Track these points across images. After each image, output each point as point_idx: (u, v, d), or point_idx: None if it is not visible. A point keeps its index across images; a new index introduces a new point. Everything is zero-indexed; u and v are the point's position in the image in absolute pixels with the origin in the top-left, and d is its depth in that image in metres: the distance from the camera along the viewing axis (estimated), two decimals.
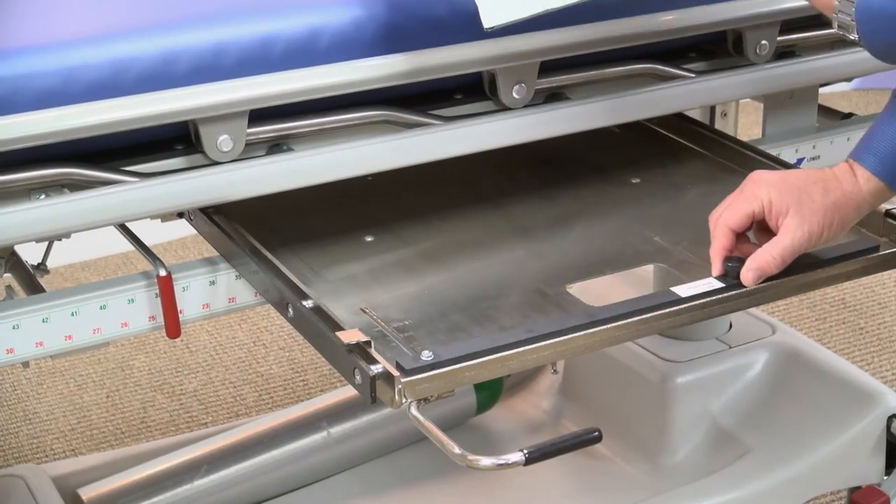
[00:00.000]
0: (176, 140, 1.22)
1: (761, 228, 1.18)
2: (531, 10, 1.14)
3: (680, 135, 1.51)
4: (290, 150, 1.24)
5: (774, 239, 1.15)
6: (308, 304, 1.15)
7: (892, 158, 1.14)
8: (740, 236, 1.18)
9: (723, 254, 1.17)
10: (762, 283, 1.16)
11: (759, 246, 1.16)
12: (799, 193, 1.14)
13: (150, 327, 1.24)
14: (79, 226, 1.15)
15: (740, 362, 1.69)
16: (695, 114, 1.67)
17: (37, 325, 1.19)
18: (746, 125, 2.81)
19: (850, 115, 1.62)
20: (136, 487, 1.61)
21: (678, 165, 1.47)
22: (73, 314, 1.20)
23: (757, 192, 1.15)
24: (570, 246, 1.30)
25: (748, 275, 1.15)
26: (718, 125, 1.79)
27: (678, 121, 1.52)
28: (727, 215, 1.17)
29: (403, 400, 1.04)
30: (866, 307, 2.49)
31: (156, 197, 1.17)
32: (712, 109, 1.80)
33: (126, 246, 1.37)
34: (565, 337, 1.10)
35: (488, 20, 1.14)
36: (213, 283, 1.26)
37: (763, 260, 1.15)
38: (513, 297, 1.21)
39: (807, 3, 1.42)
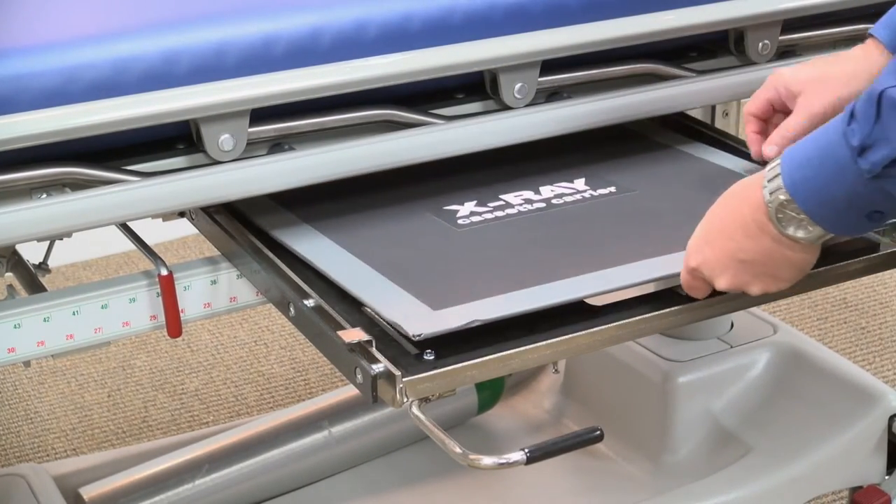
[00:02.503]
0: (177, 139, 1.22)
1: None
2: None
3: (681, 133, 1.51)
4: (291, 149, 1.24)
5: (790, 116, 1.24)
6: (309, 303, 1.15)
7: None
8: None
9: (755, 138, 1.29)
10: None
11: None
12: (817, 76, 1.22)
13: (151, 327, 1.24)
14: (80, 225, 1.15)
15: (742, 362, 1.69)
16: (696, 112, 1.67)
17: (38, 325, 1.19)
18: None
19: None
20: (137, 487, 1.61)
21: None
22: (74, 313, 1.20)
23: (774, 80, 1.25)
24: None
25: (766, 149, 1.25)
26: (719, 124, 1.79)
27: (679, 119, 1.52)
28: (748, 103, 1.27)
29: (405, 399, 1.04)
30: (868, 306, 2.49)
31: (157, 196, 1.17)
32: (713, 108, 1.80)
33: (127, 245, 1.37)
34: (566, 336, 1.10)
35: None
36: (214, 282, 1.26)
37: (778, 134, 1.24)
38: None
39: (809, 3, 1.42)
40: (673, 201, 1.32)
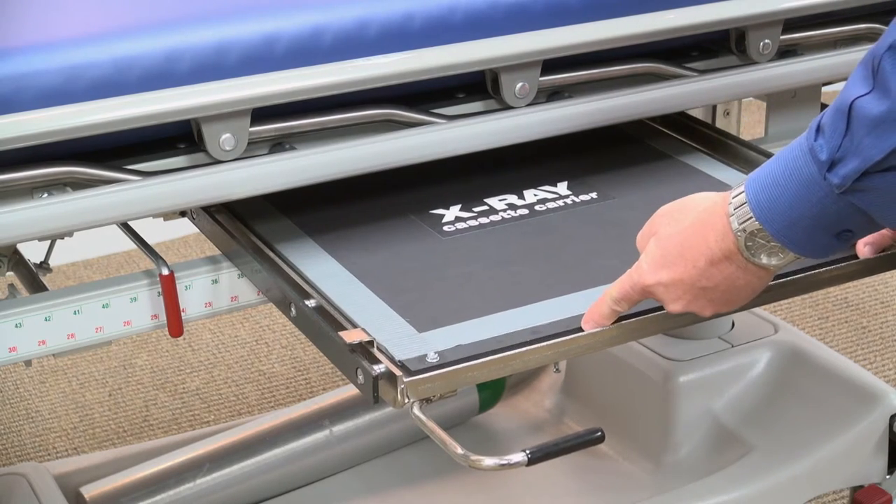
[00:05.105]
0: (178, 139, 1.22)
1: None
2: None
3: (682, 133, 1.51)
4: (292, 148, 1.24)
5: None
6: (310, 303, 1.15)
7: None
8: None
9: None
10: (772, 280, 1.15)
11: None
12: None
13: (152, 326, 1.24)
14: (81, 224, 1.15)
15: (743, 361, 1.69)
16: (696, 112, 1.66)
17: (39, 324, 1.19)
18: (749, 124, 2.81)
19: None
20: (138, 486, 1.61)
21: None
22: (75, 312, 1.20)
23: None
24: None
25: (865, 248, 1.17)
26: (720, 124, 1.78)
27: (680, 119, 1.52)
28: None
29: (406, 400, 1.04)
30: (869, 306, 2.49)
31: (158, 196, 1.17)
32: (714, 108, 1.79)
33: (128, 244, 1.37)
34: (568, 336, 1.10)
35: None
36: (215, 281, 1.26)
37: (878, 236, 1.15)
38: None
39: (810, 2, 1.42)
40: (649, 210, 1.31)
